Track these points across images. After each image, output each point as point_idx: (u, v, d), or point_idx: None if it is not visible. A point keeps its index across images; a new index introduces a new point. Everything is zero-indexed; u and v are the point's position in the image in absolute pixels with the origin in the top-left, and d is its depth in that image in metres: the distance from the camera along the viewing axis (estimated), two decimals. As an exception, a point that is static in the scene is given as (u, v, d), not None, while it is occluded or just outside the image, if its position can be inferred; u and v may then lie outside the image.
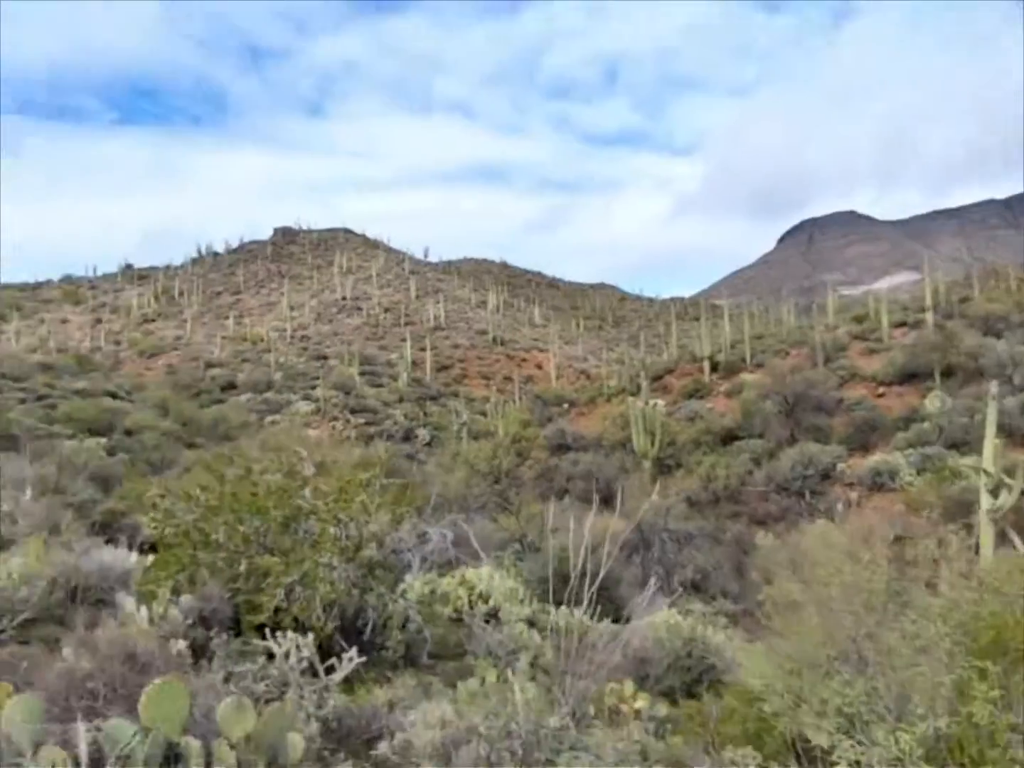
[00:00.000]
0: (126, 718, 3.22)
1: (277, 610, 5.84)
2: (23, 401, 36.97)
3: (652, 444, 30.45)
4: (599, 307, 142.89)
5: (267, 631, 5.37)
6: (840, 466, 26.60)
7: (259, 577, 6.05)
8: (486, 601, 9.74)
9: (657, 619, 12.22)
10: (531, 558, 16.27)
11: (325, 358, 68.04)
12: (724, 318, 40.51)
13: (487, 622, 10.98)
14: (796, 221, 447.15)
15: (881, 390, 31.09)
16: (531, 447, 31.29)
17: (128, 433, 35.82)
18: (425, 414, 55.74)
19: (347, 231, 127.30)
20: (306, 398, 53.70)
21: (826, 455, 26.46)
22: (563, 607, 12.82)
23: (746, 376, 36.50)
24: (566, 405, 42.73)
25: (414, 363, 68.21)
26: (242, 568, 6.12)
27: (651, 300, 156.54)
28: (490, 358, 79.89)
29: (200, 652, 5.11)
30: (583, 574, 15.04)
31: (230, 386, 56.04)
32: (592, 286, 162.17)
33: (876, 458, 25.71)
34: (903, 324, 38.10)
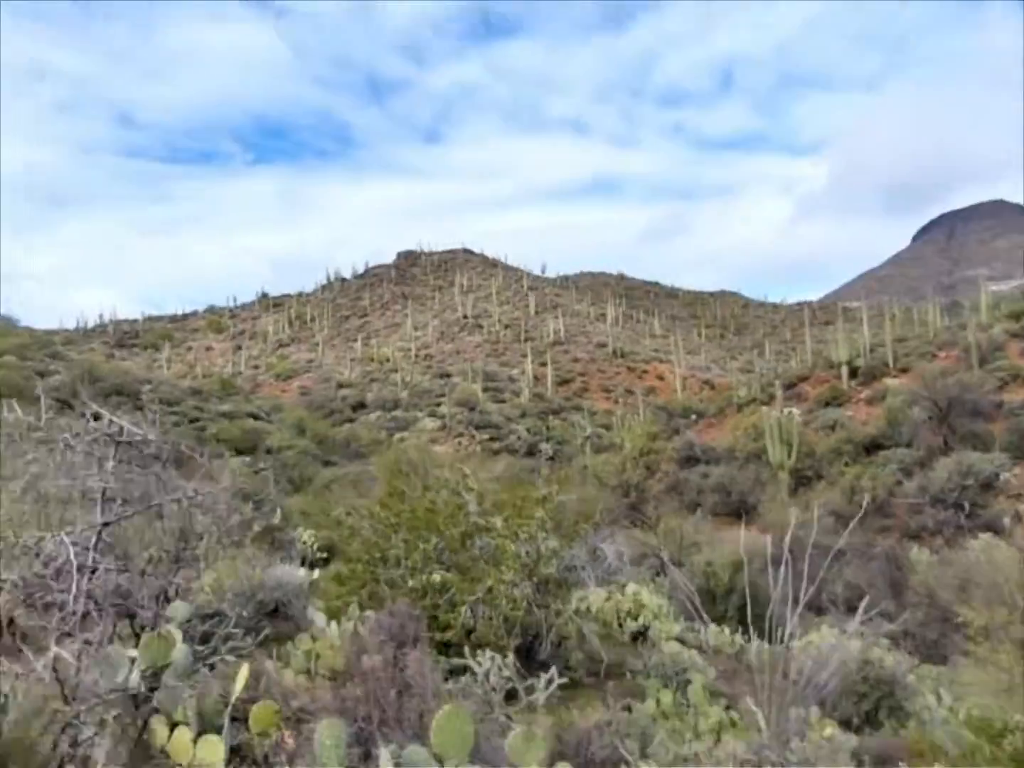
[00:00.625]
0: (415, 743, 3.18)
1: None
2: (177, 424, 39.64)
3: (788, 455, 29.07)
4: (720, 315, 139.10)
5: (449, 649, 5.31)
6: (1004, 476, 24.41)
7: (437, 594, 6.03)
8: (635, 618, 9.41)
9: (818, 640, 11.47)
10: (672, 573, 15.79)
11: (448, 376, 69.47)
12: (863, 321, 38.28)
13: (635, 640, 10.65)
14: (933, 215, 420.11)
15: (1049, 393, 28.39)
16: (660, 460, 30.57)
17: (269, 452, 37.78)
18: (548, 428, 55.78)
19: (466, 251, 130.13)
20: (432, 415, 54.92)
21: (987, 464, 24.34)
22: (713, 626, 12.26)
23: (889, 381, 34.29)
24: (694, 416, 41.58)
25: (535, 378, 68.56)
26: (420, 584, 6.11)
27: (775, 306, 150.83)
28: (611, 371, 79.19)
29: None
30: (730, 591, 14.28)
31: (360, 405, 58.13)
32: (712, 294, 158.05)
33: (1047, 467, 23.41)
34: (1069, 319, 34.78)
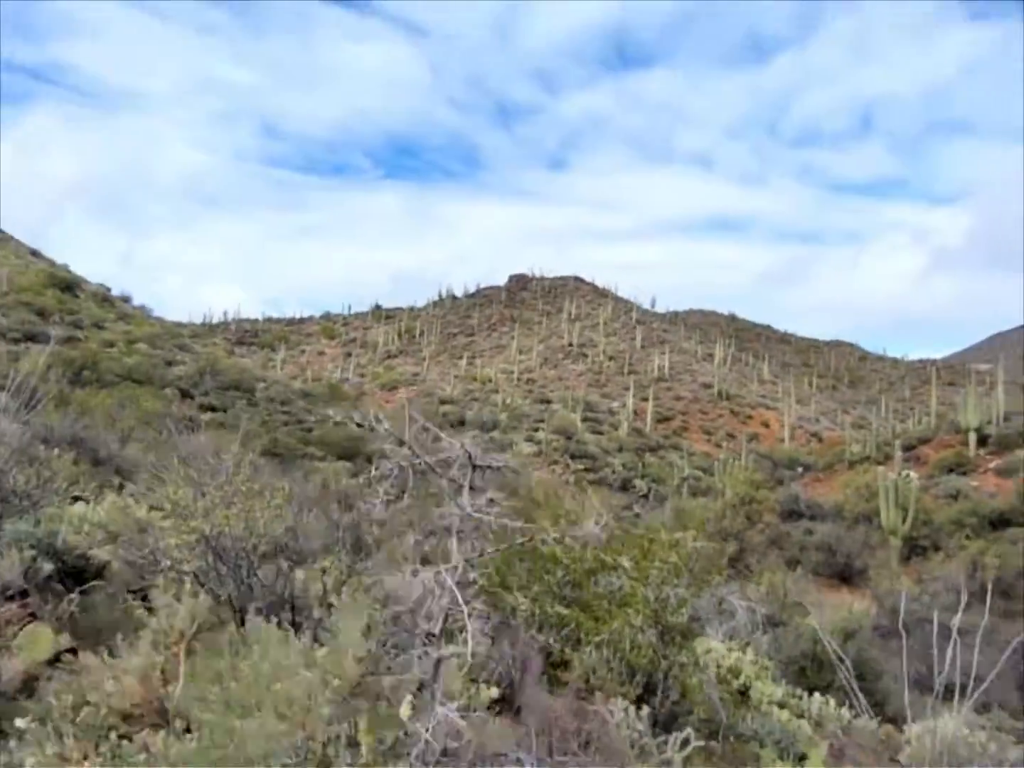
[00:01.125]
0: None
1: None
2: (286, 424, 41.19)
3: (903, 520, 27.34)
4: (834, 366, 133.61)
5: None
6: None
7: (554, 630, 5.84)
8: (736, 676, 8.90)
9: (941, 727, 10.54)
10: (772, 632, 14.99)
11: (548, 402, 69.47)
12: (996, 384, 35.80)
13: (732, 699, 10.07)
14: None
15: None
16: (761, 510, 29.34)
17: (369, 460, 38.65)
18: (644, 465, 54.77)
19: (577, 279, 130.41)
20: (528, 439, 54.94)
21: None
22: (816, 694, 11.48)
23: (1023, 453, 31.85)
24: (800, 469, 39.86)
25: (635, 413, 67.62)
26: (540, 616, 5.94)
27: (895, 361, 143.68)
28: (713, 412, 77.22)
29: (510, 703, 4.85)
30: (839, 659, 13.35)
31: (460, 423, 58.79)
32: (827, 343, 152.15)
33: None
34: None
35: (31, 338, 42.19)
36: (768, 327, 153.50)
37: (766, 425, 77.97)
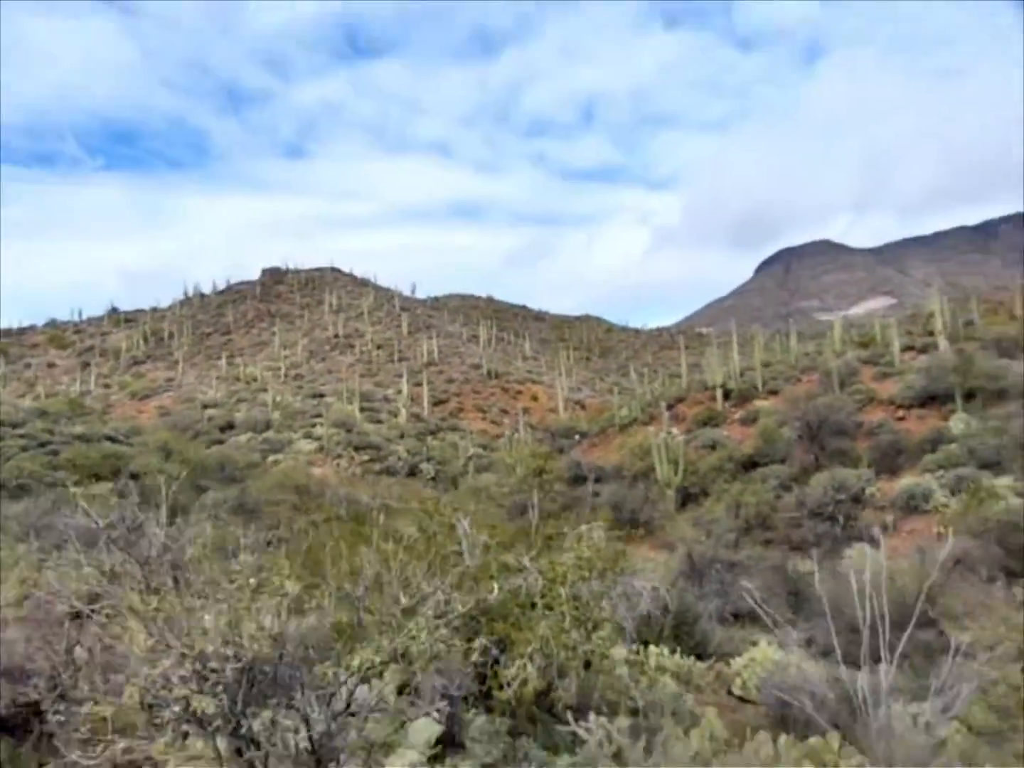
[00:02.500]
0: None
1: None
2: (25, 448, 36.03)
3: (675, 473, 30.22)
4: (586, 339, 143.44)
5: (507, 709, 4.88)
6: (869, 490, 26.44)
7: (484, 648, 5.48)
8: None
9: (761, 657, 11.77)
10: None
11: (321, 396, 67.36)
12: (732, 346, 40.61)
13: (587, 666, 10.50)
14: (773, 251, 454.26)
15: (901, 413, 31.11)
16: (552, 479, 30.88)
17: (134, 477, 34.93)
18: (428, 448, 55.16)
19: (335, 270, 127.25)
20: (307, 436, 52.99)
21: (855, 479, 26.29)
22: (651, 646, 12.33)
23: (760, 403, 36.47)
24: (577, 436, 42.42)
25: (411, 398, 67.73)
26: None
27: (637, 331, 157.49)
28: (485, 391, 79.56)
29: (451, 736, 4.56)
30: (666, 609, 14.43)
31: (228, 426, 55.18)
32: (577, 318, 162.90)
33: (907, 481, 25.61)
34: (910, 348, 38.35)
35: None
36: (524, 307, 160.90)
37: (535, 399, 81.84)
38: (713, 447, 33.30)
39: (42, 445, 37.51)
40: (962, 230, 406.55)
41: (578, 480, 35.02)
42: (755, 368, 39.70)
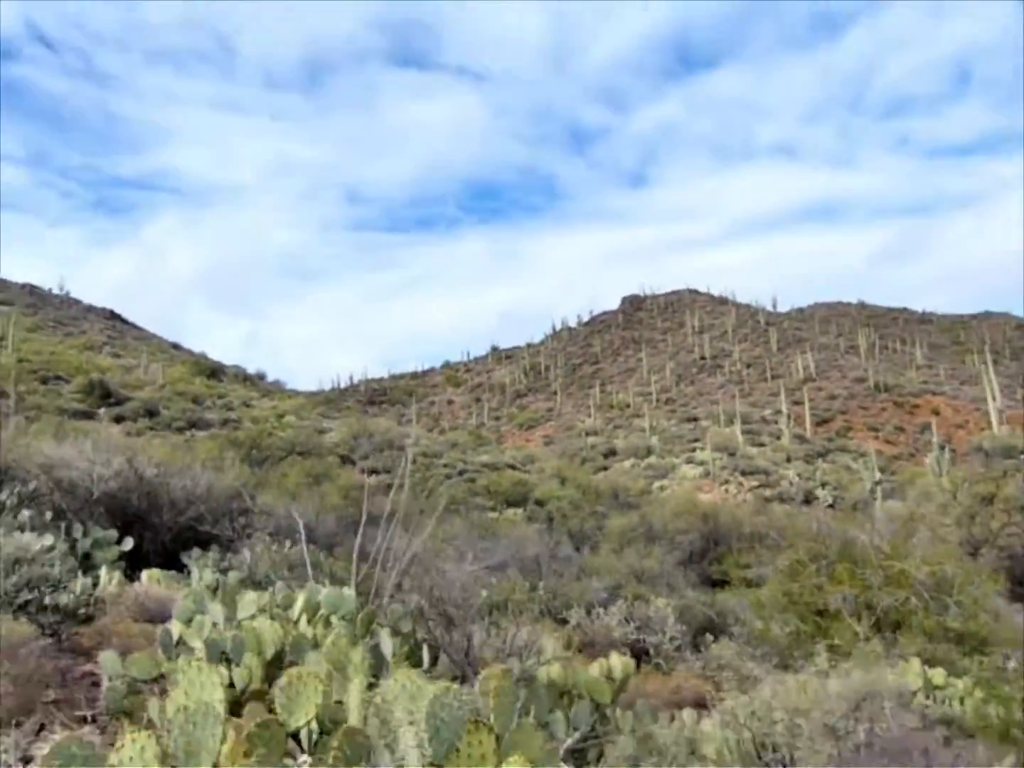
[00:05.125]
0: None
1: None
2: (448, 476, 40.16)
3: None
4: (990, 339, 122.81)
5: None
6: None
7: None
8: None
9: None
10: None
11: (696, 419, 66.16)
12: None
13: None
14: None
15: None
16: (1008, 509, 25.44)
17: (539, 504, 36.91)
18: (820, 473, 50.61)
19: (692, 291, 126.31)
20: (688, 461, 51.95)
21: None
22: None
23: None
24: (1023, 456, 35.15)
25: (791, 418, 63.24)
26: None
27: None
28: (874, 407, 71.52)
29: None
30: None
31: (611, 453, 56.52)
32: (975, 316, 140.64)
33: None
34: None
35: (193, 425, 43.33)
36: (904, 309, 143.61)
37: (936, 412, 71.53)
38: None
39: (460, 473, 41.56)
40: None
41: (1036, 509, 28.60)
42: None
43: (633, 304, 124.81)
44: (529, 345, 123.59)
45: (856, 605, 8.97)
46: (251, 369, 74.19)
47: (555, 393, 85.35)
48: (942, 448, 37.10)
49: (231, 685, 4.14)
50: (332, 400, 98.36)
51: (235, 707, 3.71)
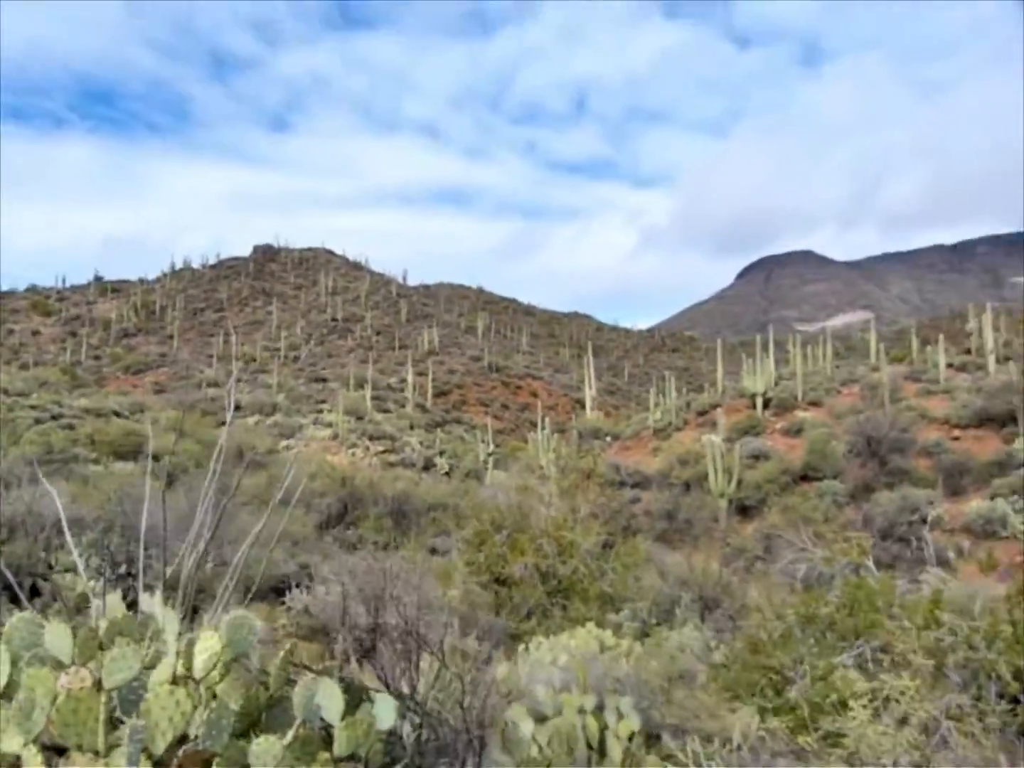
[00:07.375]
0: None
1: None
2: (39, 421, 34.23)
3: (729, 483, 29.40)
4: (576, 336, 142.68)
5: None
6: (935, 512, 25.86)
7: None
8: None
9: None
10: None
11: (324, 380, 65.80)
12: (769, 353, 39.89)
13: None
14: (755, 258, 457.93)
15: (956, 433, 30.62)
16: (601, 483, 29.91)
17: (156, 458, 33.30)
18: (438, 442, 53.96)
19: (328, 251, 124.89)
20: (316, 422, 51.49)
21: (922, 499, 25.67)
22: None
23: (802, 414, 35.86)
24: (608, 438, 41.52)
25: (415, 388, 66.38)
26: None
27: (627, 331, 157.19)
28: (487, 385, 78.44)
29: None
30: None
31: (235, 407, 53.45)
32: (567, 315, 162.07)
33: (979, 504, 25.03)
34: (949, 365, 37.95)
35: None
36: (514, 300, 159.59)
37: (534, 395, 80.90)
38: (758, 457, 32.56)
39: (54, 418, 35.69)
40: (939, 248, 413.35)
41: (615, 484, 34.11)
42: (790, 377, 39.09)
43: (266, 255, 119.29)
44: (143, 281, 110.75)
45: (538, 574, 9.74)
46: None
47: (171, 337, 77.89)
48: (542, 427, 42.41)
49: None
50: None
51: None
